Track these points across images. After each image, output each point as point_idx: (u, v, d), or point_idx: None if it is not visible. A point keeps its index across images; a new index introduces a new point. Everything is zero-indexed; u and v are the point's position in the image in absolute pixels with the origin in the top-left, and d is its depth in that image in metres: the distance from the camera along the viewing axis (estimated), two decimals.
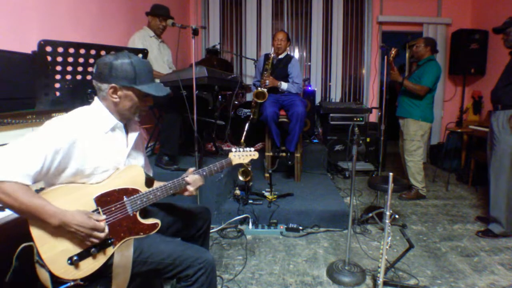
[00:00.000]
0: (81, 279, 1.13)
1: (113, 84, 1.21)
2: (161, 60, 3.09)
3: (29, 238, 1.07)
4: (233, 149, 1.57)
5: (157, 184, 1.38)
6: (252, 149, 1.58)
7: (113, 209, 1.20)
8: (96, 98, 1.28)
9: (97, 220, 1.13)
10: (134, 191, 1.26)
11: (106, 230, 1.15)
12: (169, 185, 1.34)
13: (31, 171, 1.03)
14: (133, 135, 1.36)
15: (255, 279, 2.02)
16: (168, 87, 1.35)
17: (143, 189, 1.29)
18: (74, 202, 1.12)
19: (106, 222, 1.17)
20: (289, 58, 3.50)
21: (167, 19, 2.99)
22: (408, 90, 3.18)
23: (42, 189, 1.19)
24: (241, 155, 1.56)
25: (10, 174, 0.99)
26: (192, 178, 1.41)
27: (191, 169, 1.44)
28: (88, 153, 1.17)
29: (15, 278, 1.11)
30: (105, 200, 1.19)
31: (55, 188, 1.12)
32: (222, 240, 2.53)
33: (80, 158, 1.15)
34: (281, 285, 1.97)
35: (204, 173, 1.46)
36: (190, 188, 1.41)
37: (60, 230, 1.08)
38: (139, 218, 1.27)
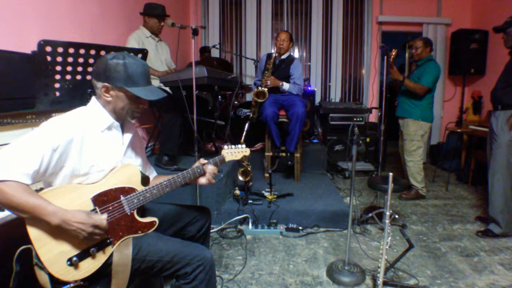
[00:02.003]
0: (81, 280, 1.12)
1: (105, 83, 1.22)
2: (158, 60, 3.09)
3: (27, 240, 1.06)
4: (226, 146, 1.59)
5: (162, 179, 1.38)
6: (244, 145, 1.60)
7: (110, 208, 1.20)
8: (93, 97, 1.29)
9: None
10: (131, 189, 1.26)
11: (107, 228, 1.15)
12: (165, 182, 1.34)
13: (30, 170, 1.03)
14: (129, 135, 1.37)
15: (255, 279, 2.02)
16: (163, 92, 1.33)
17: (139, 187, 1.29)
18: (71, 203, 1.12)
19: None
20: (291, 59, 3.50)
21: (165, 18, 2.98)
22: (408, 89, 3.18)
23: (41, 189, 1.19)
24: (234, 152, 1.58)
25: (10, 173, 1.00)
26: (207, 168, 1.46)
27: (203, 161, 1.48)
28: (84, 152, 1.18)
29: (16, 282, 1.10)
30: (102, 200, 1.19)
31: (52, 189, 1.12)
32: (222, 240, 2.53)
33: (76, 156, 1.15)
34: (281, 285, 1.97)
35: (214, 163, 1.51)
36: (206, 179, 1.46)
37: (59, 230, 1.07)
38: (136, 217, 1.27)
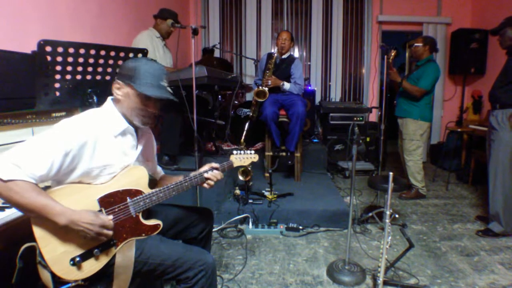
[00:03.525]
0: (83, 280, 1.13)
1: (118, 81, 1.24)
2: (164, 61, 3.11)
3: (31, 239, 1.07)
4: (234, 152, 1.58)
5: (173, 180, 1.38)
6: (253, 151, 1.59)
7: (116, 210, 1.20)
8: (109, 98, 1.29)
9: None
10: (138, 192, 1.26)
11: (113, 229, 1.15)
12: (172, 186, 1.34)
13: (39, 173, 1.03)
14: (143, 140, 1.37)
15: (255, 279, 2.02)
16: (171, 94, 1.32)
17: (146, 190, 1.29)
18: (77, 203, 1.12)
19: None
20: (292, 58, 3.50)
21: (174, 22, 3.02)
22: (405, 91, 3.18)
23: (48, 187, 1.19)
24: (242, 158, 1.58)
25: (19, 173, 1.00)
26: (214, 174, 1.44)
27: (215, 165, 1.47)
28: (97, 155, 1.17)
29: (18, 278, 1.11)
30: (108, 201, 1.19)
31: (60, 188, 1.12)
32: (222, 239, 2.53)
33: (88, 160, 1.15)
34: (281, 284, 1.97)
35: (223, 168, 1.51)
36: (211, 182, 1.45)
37: (64, 230, 1.07)
38: (141, 219, 1.27)
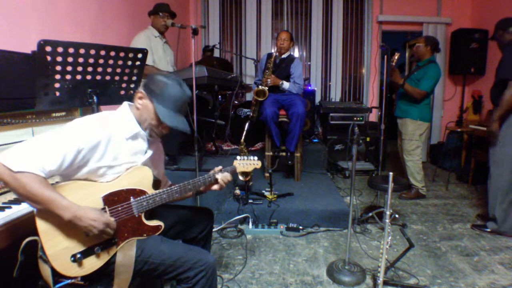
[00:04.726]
0: (82, 278, 1.13)
1: (142, 91, 1.26)
2: (164, 60, 3.10)
3: (34, 232, 1.07)
4: (238, 157, 1.60)
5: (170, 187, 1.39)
6: (256, 158, 1.62)
7: (119, 209, 1.21)
8: (125, 102, 1.32)
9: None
10: (141, 192, 1.27)
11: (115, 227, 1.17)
12: (175, 188, 1.35)
13: (49, 168, 1.04)
14: (153, 147, 1.38)
15: (255, 279, 2.02)
16: (186, 125, 1.33)
17: (150, 190, 1.30)
18: (82, 199, 1.13)
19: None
20: (292, 58, 3.50)
21: (169, 15, 2.99)
22: (406, 92, 3.18)
23: (57, 182, 1.20)
24: (245, 164, 1.60)
25: (30, 165, 1.01)
26: (222, 175, 1.48)
27: (218, 168, 1.51)
28: (106, 156, 1.19)
29: (19, 272, 1.11)
30: (112, 200, 1.20)
31: (65, 184, 1.13)
32: (222, 239, 2.53)
33: (98, 159, 1.17)
34: (281, 284, 1.97)
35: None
36: (219, 185, 1.48)
37: (67, 226, 1.08)
38: (143, 220, 1.28)
